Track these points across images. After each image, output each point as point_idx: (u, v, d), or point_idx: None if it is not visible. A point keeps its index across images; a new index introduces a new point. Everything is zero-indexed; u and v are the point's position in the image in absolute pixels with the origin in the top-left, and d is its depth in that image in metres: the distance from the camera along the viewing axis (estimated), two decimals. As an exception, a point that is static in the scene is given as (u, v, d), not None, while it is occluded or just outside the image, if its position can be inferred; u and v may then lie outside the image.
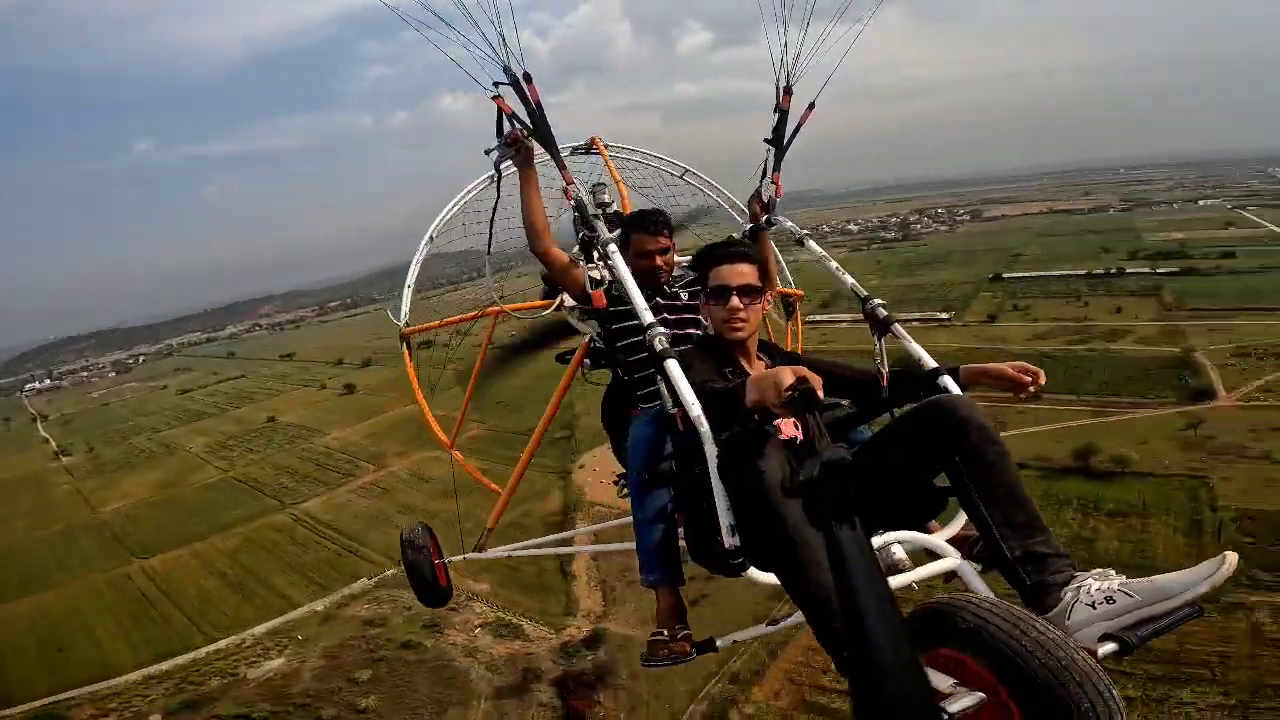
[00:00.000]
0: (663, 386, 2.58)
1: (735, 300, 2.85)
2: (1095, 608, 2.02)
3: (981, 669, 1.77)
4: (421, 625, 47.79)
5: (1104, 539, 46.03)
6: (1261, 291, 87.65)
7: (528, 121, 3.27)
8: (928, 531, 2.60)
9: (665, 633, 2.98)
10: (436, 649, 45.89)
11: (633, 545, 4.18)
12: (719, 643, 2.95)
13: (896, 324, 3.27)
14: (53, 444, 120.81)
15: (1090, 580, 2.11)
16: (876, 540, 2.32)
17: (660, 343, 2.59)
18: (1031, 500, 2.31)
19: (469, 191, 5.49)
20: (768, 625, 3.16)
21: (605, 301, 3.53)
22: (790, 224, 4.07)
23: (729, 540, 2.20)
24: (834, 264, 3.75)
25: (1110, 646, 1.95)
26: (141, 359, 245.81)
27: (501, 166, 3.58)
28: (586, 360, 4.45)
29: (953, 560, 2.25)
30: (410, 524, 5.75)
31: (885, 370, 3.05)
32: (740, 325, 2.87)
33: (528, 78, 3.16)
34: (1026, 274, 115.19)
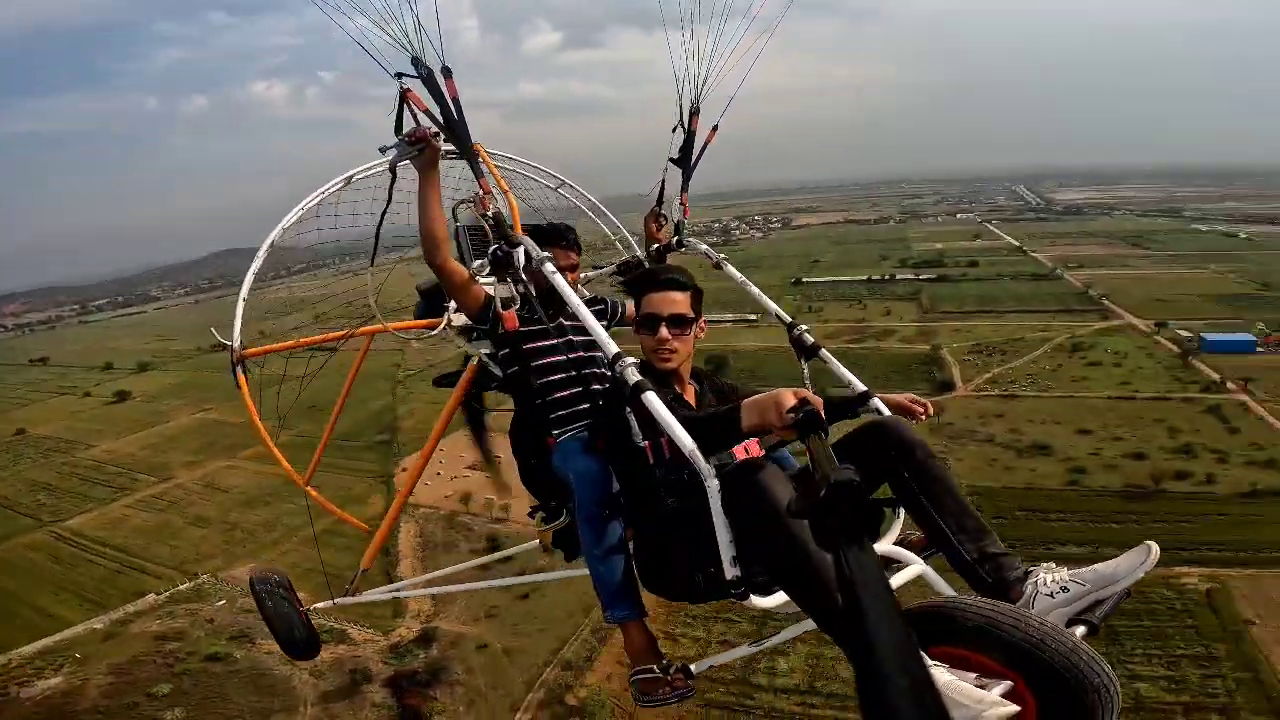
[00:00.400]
0: (633, 419, 2.53)
1: (664, 330, 2.84)
2: (1054, 597, 2.27)
3: (990, 661, 1.92)
4: (228, 637, 44.79)
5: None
6: (996, 296, 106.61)
7: (439, 119, 3.01)
8: None
9: (655, 668, 2.82)
10: (249, 659, 43.24)
11: (530, 577, 4.43)
12: (694, 668, 2.85)
13: (823, 349, 3.34)
14: None
15: (1043, 573, 2.34)
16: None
17: (633, 374, 2.48)
18: (973, 506, 2.54)
19: (324, 192, 4.78)
20: (751, 645, 3.06)
21: (518, 323, 3.31)
22: (704, 247, 3.95)
23: (731, 571, 2.22)
24: (755, 289, 3.74)
25: (1081, 629, 2.18)
26: None
27: (398, 167, 3.29)
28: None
29: (918, 566, 2.36)
30: (261, 570, 5.06)
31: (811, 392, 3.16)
32: (669, 356, 2.87)
33: (447, 71, 2.92)
34: (821, 279, 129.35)
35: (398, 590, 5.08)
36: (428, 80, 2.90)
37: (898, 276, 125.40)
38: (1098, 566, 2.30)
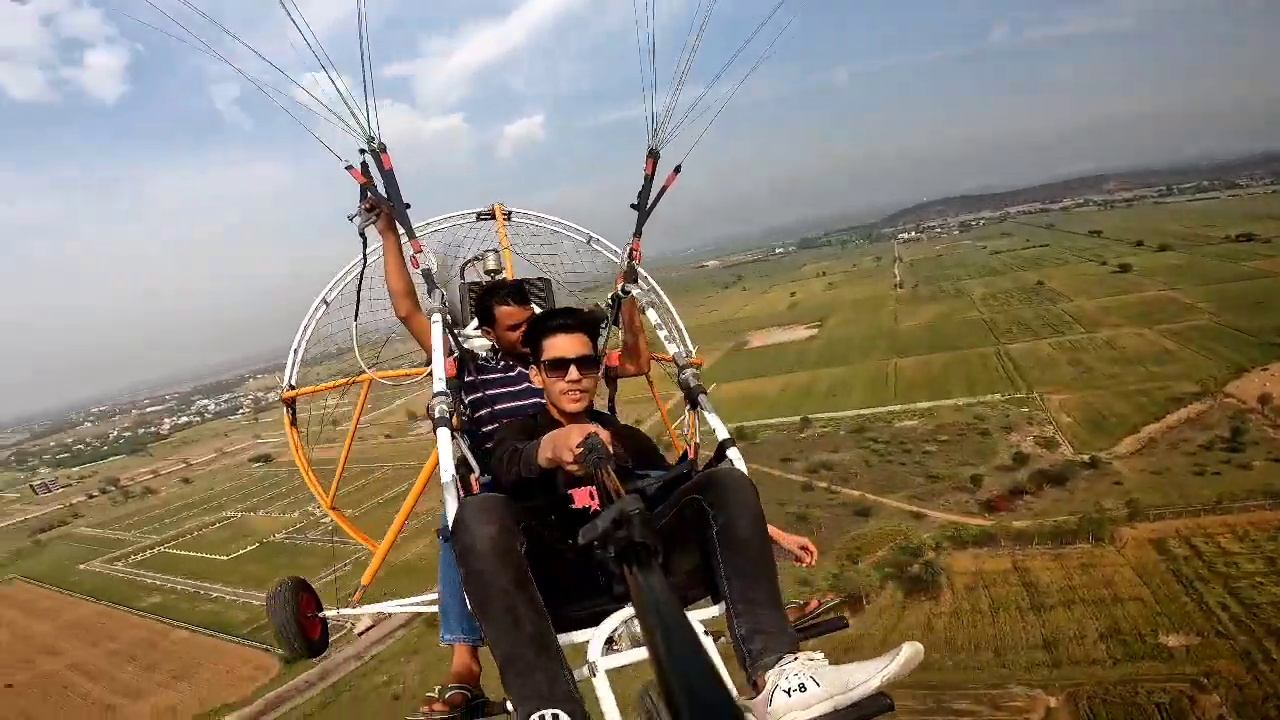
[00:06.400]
0: (443, 456, 2.53)
1: (575, 371, 2.79)
2: (790, 695, 2.02)
3: None
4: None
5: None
6: None
7: (382, 190, 3.28)
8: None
9: (437, 690, 2.64)
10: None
11: None
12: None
13: (703, 395, 3.41)
14: (897, 278, 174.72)
15: (789, 664, 2.10)
16: (610, 621, 2.19)
17: (439, 410, 2.58)
18: (775, 579, 2.33)
19: (371, 252, 4.60)
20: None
21: (454, 371, 3.35)
22: (637, 291, 4.00)
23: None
24: (664, 333, 3.86)
25: None
26: (981, 223, 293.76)
27: (366, 231, 3.58)
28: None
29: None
30: (280, 579, 5.03)
31: (696, 438, 3.40)
32: (579, 396, 2.81)
33: (382, 147, 3.23)
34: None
35: (397, 607, 5.07)
36: (373, 155, 3.23)
37: None
38: (843, 668, 2.04)
